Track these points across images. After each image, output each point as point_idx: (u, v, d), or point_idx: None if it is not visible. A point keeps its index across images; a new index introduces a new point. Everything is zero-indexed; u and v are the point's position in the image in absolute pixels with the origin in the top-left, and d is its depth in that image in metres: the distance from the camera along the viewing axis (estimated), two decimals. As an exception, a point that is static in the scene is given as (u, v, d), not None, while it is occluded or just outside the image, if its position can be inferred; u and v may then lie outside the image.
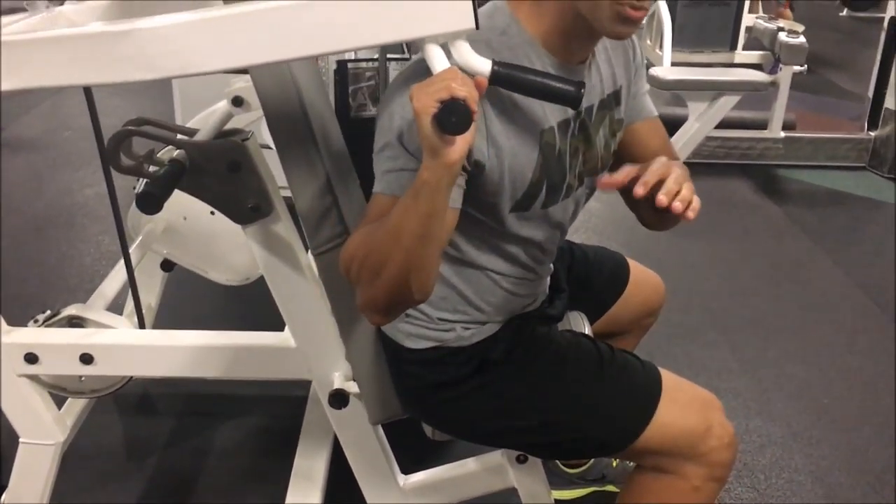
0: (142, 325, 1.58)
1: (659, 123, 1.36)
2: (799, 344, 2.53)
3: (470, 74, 0.95)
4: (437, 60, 0.97)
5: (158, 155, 1.35)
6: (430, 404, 1.32)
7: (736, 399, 2.24)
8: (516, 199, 1.14)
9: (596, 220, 3.41)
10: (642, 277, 1.63)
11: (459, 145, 0.92)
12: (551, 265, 1.35)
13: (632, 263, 1.63)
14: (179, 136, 1.32)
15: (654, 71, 3.99)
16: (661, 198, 1.03)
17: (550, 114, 1.12)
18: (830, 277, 2.98)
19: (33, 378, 1.46)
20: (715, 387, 2.27)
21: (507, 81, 1.00)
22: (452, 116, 0.89)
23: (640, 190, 1.04)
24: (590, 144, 1.21)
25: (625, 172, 1.10)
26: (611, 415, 1.26)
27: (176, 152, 1.27)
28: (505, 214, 1.15)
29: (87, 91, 1.51)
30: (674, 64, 5.22)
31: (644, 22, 6.24)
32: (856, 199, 3.75)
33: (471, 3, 0.95)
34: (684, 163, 3.69)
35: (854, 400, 2.26)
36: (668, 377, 1.28)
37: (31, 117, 4.43)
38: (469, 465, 1.50)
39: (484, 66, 0.99)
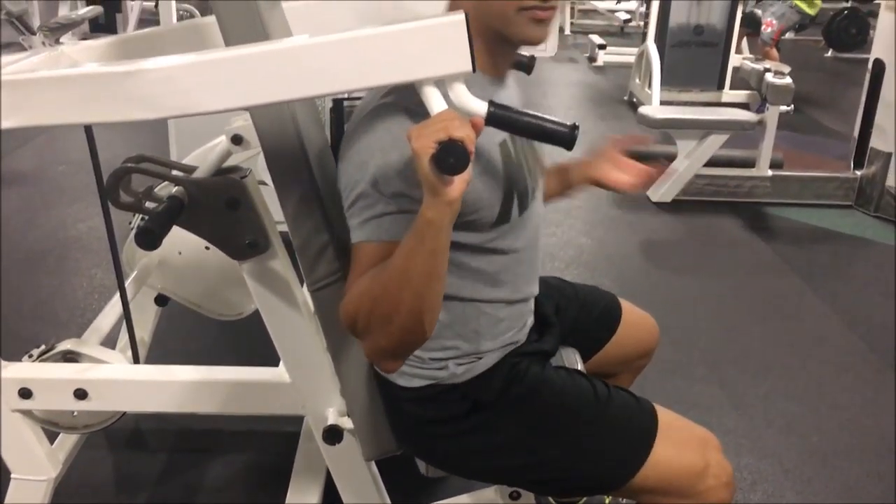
0: (136, 360, 1.58)
1: None
2: (788, 381, 2.55)
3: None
4: (435, 102, 1.00)
5: (156, 191, 1.37)
6: (425, 441, 1.33)
7: (727, 436, 2.24)
8: (496, 213, 1.17)
9: (587, 257, 3.44)
10: (635, 318, 1.63)
11: (458, 184, 0.94)
12: (535, 286, 1.35)
13: (625, 304, 1.63)
14: (178, 173, 1.34)
15: (643, 110, 4.06)
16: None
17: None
18: (818, 314, 3.00)
19: (27, 413, 1.46)
20: (705, 423, 2.24)
21: (502, 122, 1.03)
22: (451, 157, 0.91)
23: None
24: (532, 149, 1.28)
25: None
26: (606, 453, 1.26)
27: (174, 189, 1.29)
28: (486, 228, 1.18)
29: (88, 127, 1.53)
30: (662, 103, 5.32)
31: (634, 61, 6.33)
32: (843, 237, 3.80)
33: (468, 46, 0.98)
34: (674, 200, 3.73)
35: (844, 437, 2.27)
36: (664, 415, 1.29)
37: (26, 151, 4.45)
38: (462, 501, 1.50)
39: (480, 107, 1.01)
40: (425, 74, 1.00)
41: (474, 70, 0.99)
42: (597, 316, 1.59)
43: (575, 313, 1.55)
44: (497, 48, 1.16)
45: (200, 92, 0.99)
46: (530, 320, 1.38)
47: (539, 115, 1.06)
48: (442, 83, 1.02)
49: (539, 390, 1.29)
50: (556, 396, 1.29)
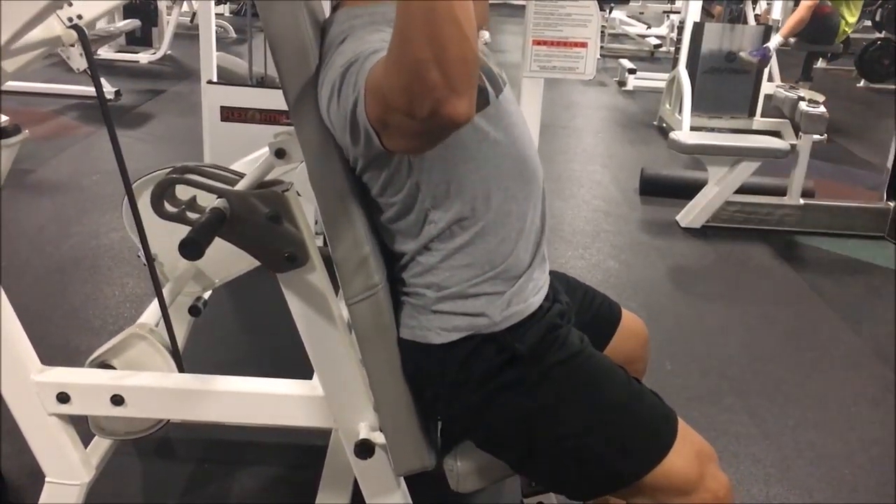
0: (180, 369, 1.59)
1: None
2: (818, 411, 2.51)
3: None
4: None
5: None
6: (457, 408, 1.33)
7: (755, 465, 2.22)
8: None
9: (615, 280, 3.43)
10: (630, 319, 1.65)
11: None
12: (540, 183, 1.36)
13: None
14: (222, 186, 1.35)
15: (674, 135, 4.06)
16: None
17: None
18: (849, 345, 2.97)
19: (63, 417, 1.47)
20: (734, 452, 2.27)
21: None
22: None
23: None
24: (487, 51, 1.33)
25: None
26: (629, 441, 1.28)
27: (217, 201, 1.30)
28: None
29: (113, 135, 1.52)
30: (692, 129, 5.31)
31: (664, 86, 6.33)
32: (874, 268, 3.75)
33: None
34: (704, 226, 3.72)
35: (876, 471, 2.24)
36: (680, 421, 1.32)
37: (61, 161, 4.52)
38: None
39: None
40: None
41: None
42: (598, 307, 1.61)
43: (579, 300, 1.57)
44: None
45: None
46: (540, 221, 1.38)
47: None
48: None
49: (577, 361, 1.31)
50: (593, 371, 1.31)
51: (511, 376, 1.28)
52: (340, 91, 1.13)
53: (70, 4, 1.29)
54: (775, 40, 5.52)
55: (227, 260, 1.90)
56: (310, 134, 1.26)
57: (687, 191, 4.22)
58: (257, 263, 1.46)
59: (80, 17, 1.28)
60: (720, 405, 2.51)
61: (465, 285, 1.28)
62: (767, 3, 5.98)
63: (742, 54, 5.57)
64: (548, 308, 1.36)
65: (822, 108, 3.96)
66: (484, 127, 1.25)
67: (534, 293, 1.34)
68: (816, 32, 5.71)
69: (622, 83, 7.75)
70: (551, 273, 1.47)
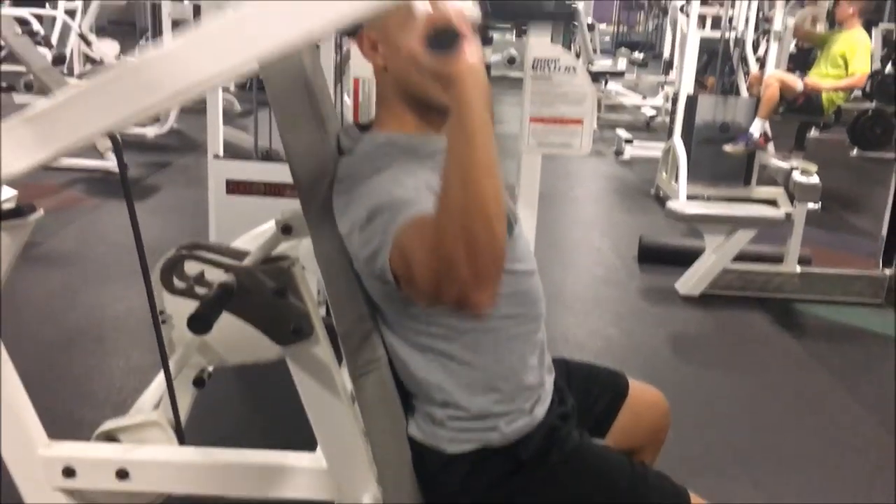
0: (182, 441, 1.60)
1: None
2: (823, 481, 2.51)
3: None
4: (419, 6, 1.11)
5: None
6: None
7: (760, 536, 2.21)
8: None
9: (615, 348, 3.45)
10: (640, 390, 1.66)
11: (470, 49, 0.99)
12: (542, 308, 1.38)
13: (632, 381, 1.66)
14: (230, 262, 1.40)
15: (671, 204, 4.12)
16: None
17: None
18: (850, 414, 2.97)
19: (69, 492, 1.48)
20: (738, 523, 2.26)
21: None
22: (440, 36, 1.00)
23: None
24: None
25: None
26: None
27: (225, 276, 1.34)
28: None
29: (132, 210, 1.57)
30: (689, 197, 5.38)
31: (660, 156, 6.40)
32: (873, 335, 3.77)
33: None
34: (702, 294, 3.75)
35: (881, 541, 2.23)
36: (694, 498, 1.33)
37: (67, 233, 4.57)
38: None
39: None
40: None
41: None
42: (603, 381, 1.62)
43: (583, 387, 1.58)
44: (422, 107, 1.26)
45: (200, 62, 0.98)
46: (545, 345, 1.40)
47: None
48: None
49: (578, 456, 1.32)
50: (595, 466, 1.33)
51: (517, 483, 1.31)
52: (364, 230, 1.16)
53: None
54: (757, 124, 5.60)
55: (247, 344, 1.93)
56: (316, 216, 1.31)
57: (685, 259, 4.26)
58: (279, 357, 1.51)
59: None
60: (723, 475, 2.50)
61: (473, 407, 1.30)
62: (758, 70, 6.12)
63: (727, 148, 5.57)
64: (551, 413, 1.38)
65: (815, 178, 4.03)
66: None
67: (540, 405, 1.36)
68: (803, 106, 5.83)
69: (619, 153, 7.87)
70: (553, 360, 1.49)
